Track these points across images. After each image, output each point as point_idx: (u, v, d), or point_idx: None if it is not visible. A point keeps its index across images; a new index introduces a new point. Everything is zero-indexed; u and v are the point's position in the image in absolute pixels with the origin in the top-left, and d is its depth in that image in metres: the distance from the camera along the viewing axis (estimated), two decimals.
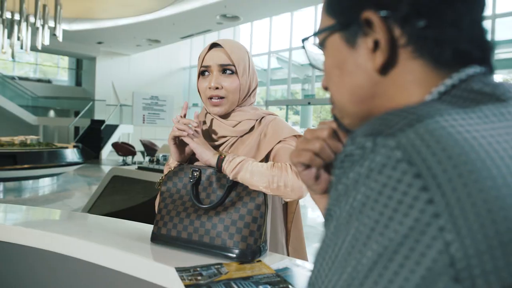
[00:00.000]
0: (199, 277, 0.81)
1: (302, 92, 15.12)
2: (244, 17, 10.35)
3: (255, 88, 1.14)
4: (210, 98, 1.07)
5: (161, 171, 3.13)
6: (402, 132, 0.29)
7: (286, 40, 13.31)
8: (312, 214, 5.87)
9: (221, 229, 0.95)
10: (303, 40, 0.47)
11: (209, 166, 1.02)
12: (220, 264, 0.89)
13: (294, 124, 16.34)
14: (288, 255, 1.14)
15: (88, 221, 1.39)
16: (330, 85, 0.45)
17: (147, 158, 11.01)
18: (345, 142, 0.33)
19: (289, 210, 1.15)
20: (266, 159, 1.06)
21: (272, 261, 0.94)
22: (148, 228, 1.20)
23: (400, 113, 0.31)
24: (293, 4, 9.69)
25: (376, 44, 0.38)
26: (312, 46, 0.48)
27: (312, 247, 4.42)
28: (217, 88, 1.06)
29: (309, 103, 12.55)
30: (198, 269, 0.85)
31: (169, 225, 1.01)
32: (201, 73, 1.10)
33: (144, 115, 16.08)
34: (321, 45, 0.45)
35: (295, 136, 1.08)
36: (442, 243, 0.25)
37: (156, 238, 1.02)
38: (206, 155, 1.00)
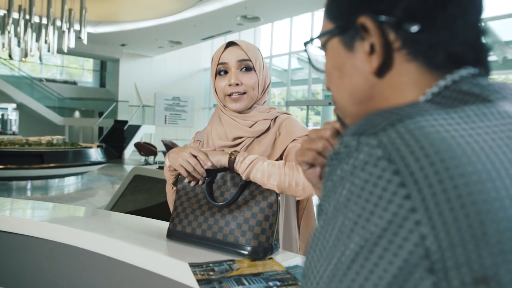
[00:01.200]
0: (211, 273, 0.84)
1: (323, 93, 15.03)
2: (264, 18, 10.38)
3: (268, 85, 1.17)
4: (230, 94, 1.10)
5: None
6: (384, 132, 0.31)
7: (307, 40, 13.24)
8: None
9: (234, 227, 0.97)
10: (305, 43, 0.49)
11: (224, 168, 1.04)
12: (232, 260, 0.92)
13: (315, 125, 16.26)
14: (300, 251, 1.16)
15: (110, 218, 1.44)
16: (331, 86, 0.47)
17: None
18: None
19: (300, 206, 1.17)
20: (280, 157, 1.09)
21: (284, 259, 0.96)
22: (165, 225, 1.24)
23: (384, 113, 0.33)
24: (313, 4, 9.65)
25: (372, 48, 0.40)
26: (314, 49, 0.50)
27: None
28: (237, 84, 1.09)
29: (330, 104, 12.46)
30: (211, 264, 0.88)
31: (184, 222, 1.04)
32: (218, 73, 1.12)
33: (166, 116, 16.32)
34: (322, 48, 0.47)
35: (307, 135, 1.09)
36: (418, 236, 0.27)
37: (171, 235, 1.06)
38: (215, 159, 1.02)
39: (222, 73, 1.12)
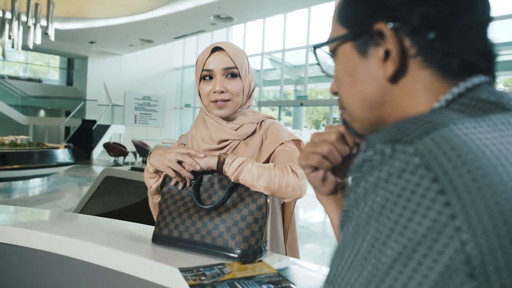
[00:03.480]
0: (203, 277, 0.82)
1: (294, 93, 15.19)
2: (238, 18, 10.38)
3: (253, 89, 1.16)
4: (215, 101, 1.08)
5: None
6: (420, 140, 0.31)
7: (279, 41, 13.38)
8: (303, 215, 5.91)
9: (223, 230, 0.96)
10: (315, 48, 0.49)
11: (212, 171, 1.02)
12: (223, 264, 0.90)
13: (286, 125, 16.41)
14: (286, 253, 1.16)
15: (86, 221, 1.39)
16: (341, 90, 0.47)
17: (140, 159, 10.97)
18: (361, 147, 0.35)
19: (287, 210, 1.17)
20: (267, 161, 1.08)
21: (273, 261, 0.95)
22: (146, 228, 1.21)
23: (416, 121, 0.33)
24: (286, 5, 9.74)
25: (387, 54, 0.40)
26: (322, 52, 0.50)
27: (304, 247, 4.43)
28: (222, 92, 1.07)
29: (301, 104, 12.61)
30: (201, 269, 0.86)
31: (171, 226, 1.01)
32: (203, 78, 1.10)
33: (136, 115, 16.03)
34: (333, 53, 0.47)
35: (293, 140, 1.10)
36: (458, 242, 0.28)
37: (157, 239, 1.03)
38: (204, 161, 1.00)
39: (207, 78, 1.10)
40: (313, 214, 6.01)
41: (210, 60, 1.08)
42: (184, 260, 0.93)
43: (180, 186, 1.05)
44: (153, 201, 1.15)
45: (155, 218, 1.15)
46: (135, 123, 15.98)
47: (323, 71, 0.50)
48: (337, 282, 0.32)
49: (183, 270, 0.85)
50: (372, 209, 0.31)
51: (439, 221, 0.28)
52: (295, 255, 1.18)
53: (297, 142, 1.12)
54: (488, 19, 0.41)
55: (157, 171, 1.08)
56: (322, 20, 14.44)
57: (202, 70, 1.09)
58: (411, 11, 0.38)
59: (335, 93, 0.50)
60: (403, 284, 0.28)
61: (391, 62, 0.40)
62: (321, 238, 4.82)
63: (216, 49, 1.09)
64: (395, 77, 0.41)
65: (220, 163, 0.99)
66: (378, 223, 0.30)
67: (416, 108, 0.40)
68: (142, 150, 10.79)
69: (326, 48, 0.49)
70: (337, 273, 0.33)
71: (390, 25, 0.39)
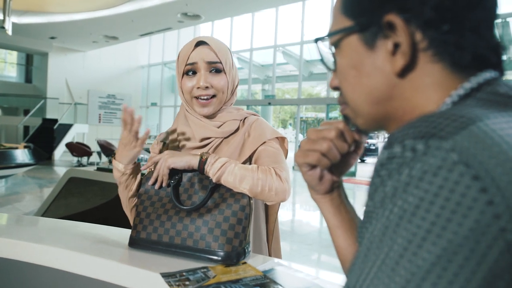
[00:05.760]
0: (187, 282, 0.78)
1: (262, 93, 15.24)
2: (205, 16, 10.26)
3: (237, 85, 1.13)
4: (197, 97, 1.04)
5: None
6: (456, 135, 0.29)
7: (247, 40, 13.36)
8: None
9: (205, 232, 0.92)
10: (317, 40, 0.46)
11: (192, 170, 0.98)
12: (206, 267, 0.87)
13: None
14: (270, 254, 1.13)
15: (51, 225, 1.31)
16: (345, 85, 0.45)
17: (105, 159, 10.61)
18: (385, 144, 0.33)
19: (271, 210, 1.14)
20: (249, 160, 1.05)
21: (257, 263, 0.93)
22: (119, 231, 1.15)
23: (447, 115, 0.31)
24: (254, 4, 9.74)
25: (395, 47, 0.39)
26: (322, 45, 0.47)
27: None
28: (206, 87, 1.03)
29: (269, 104, 12.66)
30: (184, 273, 0.83)
31: (149, 229, 0.97)
32: (186, 73, 1.06)
33: (100, 114, 15.55)
34: (335, 45, 0.45)
35: (277, 138, 1.07)
36: (504, 243, 0.26)
37: (134, 243, 0.98)
38: (183, 161, 0.96)
39: (190, 73, 1.05)
40: (281, 213, 6.03)
41: (194, 54, 1.04)
42: (165, 264, 0.88)
43: (156, 186, 1.00)
44: (129, 204, 1.10)
45: (131, 222, 1.09)
46: (100, 122, 15.49)
47: (324, 65, 0.47)
48: (356, 287, 0.30)
49: (165, 275, 0.81)
50: (403, 210, 0.29)
51: (482, 221, 0.26)
52: (278, 255, 1.16)
53: (281, 139, 1.09)
54: (496, 14, 0.40)
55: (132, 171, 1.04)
56: (290, 20, 14.56)
57: (186, 65, 1.05)
58: (423, 2, 0.37)
59: (336, 88, 0.48)
60: None
61: (400, 55, 0.38)
62: (290, 237, 4.85)
63: (200, 43, 1.05)
64: (404, 71, 0.39)
65: (202, 162, 0.95)
66: (411, 224, 0.28)
67: (426, 104, 0.39)
68: (107, 150, 10.45)
69: (327, 41, 0.46)
70: (360, 279, 0.30)
71: (402, 16, 0.38)
